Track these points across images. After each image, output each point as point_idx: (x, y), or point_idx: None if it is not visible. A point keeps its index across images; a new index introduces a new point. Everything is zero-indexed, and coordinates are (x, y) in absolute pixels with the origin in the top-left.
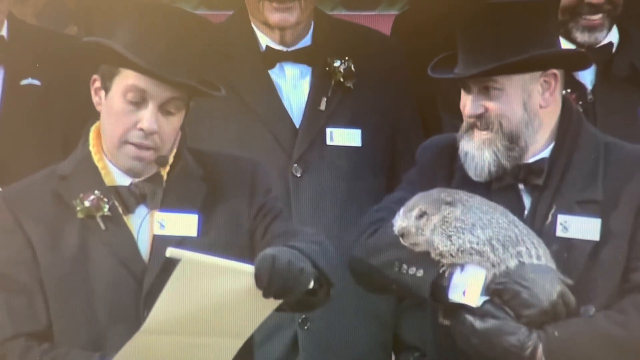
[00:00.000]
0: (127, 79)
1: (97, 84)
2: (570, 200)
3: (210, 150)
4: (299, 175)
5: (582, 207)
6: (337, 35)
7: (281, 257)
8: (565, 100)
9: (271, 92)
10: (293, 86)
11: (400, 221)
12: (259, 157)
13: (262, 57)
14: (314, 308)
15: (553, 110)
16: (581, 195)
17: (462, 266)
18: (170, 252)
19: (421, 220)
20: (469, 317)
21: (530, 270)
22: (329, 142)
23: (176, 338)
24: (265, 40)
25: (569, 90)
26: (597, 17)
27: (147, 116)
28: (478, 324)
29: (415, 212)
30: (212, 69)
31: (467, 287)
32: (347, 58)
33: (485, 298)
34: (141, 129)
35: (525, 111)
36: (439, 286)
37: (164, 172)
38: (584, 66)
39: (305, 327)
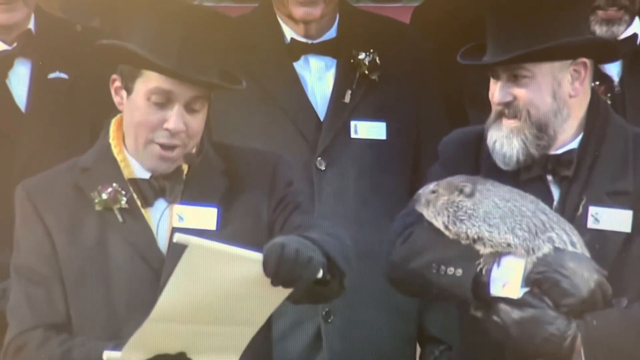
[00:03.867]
0: (150, 81)
1: (117, 83)
2: (601, 192)
3: (233, 143)
4: (323, 168)
5: (612, 199)
6: (362, 27)
7: (290, 246)
8: (593, 91)
9: (296, 85)
10: (318, 78)
11: (421, 189)
12: (283, 150)
13: (287, 49)
14: (328, 299)
15: (582, 100)
16: (612, 186)
17: (499, 259)
18: (178, 237)
19: (432, 196)
20: (506, 308)
21: (569, 258)
22: (353, 135)
23: (186, 326)
24: (289, 32)
25: (597, 83)
26: (615, 9)
27: (174, 117)
28: (516, 314)
29: (431, 187)
30: (237, 61)
31: (507, 280)
32: (372, 50)
33: (526, 289)
34: (167, 129)
35: (554, 100)
36: (480, 283)
37: (185, 166)
38: (613, 58)
39: (329, 321)
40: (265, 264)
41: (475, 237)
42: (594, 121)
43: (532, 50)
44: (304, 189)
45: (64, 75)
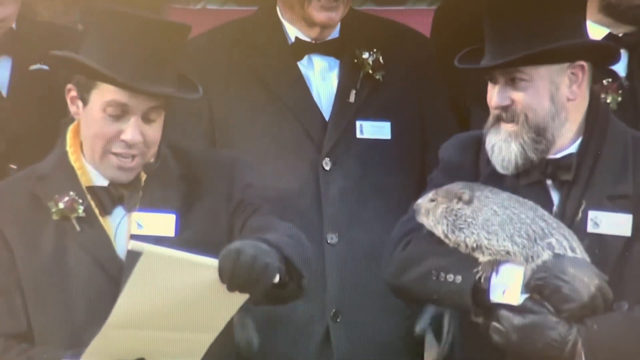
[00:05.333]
0: (105, 93)
1: (73, 93)
2: (601, 196)
3: (191, 148)
4: (328, 168)
5: (612, 203)
6: (365, 28)
7: (246, 252)
8: (592, 94)
9: (301, 84)
10: (322, 78)
11: (420, 199)
12: (289, 150)
13: (291, 49)
14: (287, 301)
15: (580, 103)
16: (611, 190)
17: (498, 266)
18: (132, 245)
19: (431, 204)
20: (507, 314)
21: (569, 264)
22: (359, 135)
23: (144, 332)
24: (293, 32)
25: (609, 80)
26: None
27: (130, 128)
28: (517, 320)
29: (430, 195)
30: (242, 62)
31: (507, 286)
32: (375, 50)
33: (526, 295)
34: (124, 141)
35: (552, 103)
36: (479, 290)
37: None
38: (612, 61)
39: (337, 321)
40: (220, 271)
41: (474, 245)
42: (593, 125)
43: (528, 53)
44: (311, 189)
45: (44, 67)
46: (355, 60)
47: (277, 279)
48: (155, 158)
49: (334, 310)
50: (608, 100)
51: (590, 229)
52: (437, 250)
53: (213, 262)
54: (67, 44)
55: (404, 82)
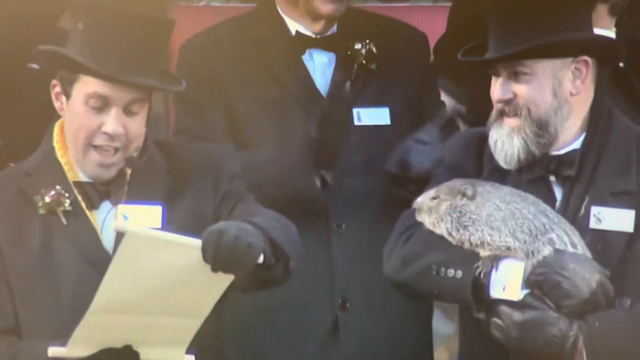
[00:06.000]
0: (87, 85)
1: (57, 89)
2: (604, 192)
3: (178, 142)
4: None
5: (615, 199)
6: (361, 23)
7: (229, 232)
8: (596, 91)
9: (306, 77)
10: (322, 73)
11: (420, 197)
12: (296, 141)
13: (293, 42)
14: (274, 284)
15: (584, 98)
16: (615, 186)
17: (498, 262)
18: (116, 225)
19: (433, 202)
20: (508, 310)
21: (569, 259)
22: (357, 123)
23: (130, 317)
24: (294, 26)
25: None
26: None
27: (111, 120)
28: (517, 316)
29: (431, 193)
30: (249, 55)
31: (507, 282)
32: (367, 41)
33: (527, 291)
34: (106, 133)
35: (554, 97)
36: (480, 285)
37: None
38: (616, 58)
39: (345, 309)
40: (203, 251)
41: (478, 242)
42: (597, 120)
43: (530, 46)
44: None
45: (34, 66)
46: (349, 52)
47: (261, 259)
48: (139, 153)
49: (341, 298)
50: None
51: (592, 224)
52: (437, 245)
53: (197, 243)
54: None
55: (399, 71)
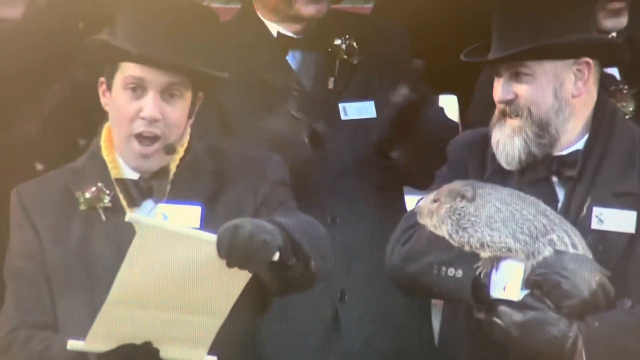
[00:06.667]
0: (125, 70)
1: (103, 86)
2: (606, 193)
3: (227, 146)
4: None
5: (617, 200)
6: (340, 21)
7: (244, 227)
8: (599, 93)
9: (291, 75)
10: (305, 72)
11: (422, 200)
12: (283, 142)
13: (276, 43)
14: (299, 285)
15: (586, 100)
16: (617, 187)
17: (499, 262)
18: (129, 217)
19: (434, 205)
20: (508, 310)
21: (569, 260)
22: (343, 117)
23: (147, 312)
24: (276, 28)
25: (622, 87)
26: (621, 2)
27: (148, 104)
28: (517, 316)
29: (432, 196)
30: (234, 60)
31: (507, 282)
32: (347, 36)
33: (527, 291)
34: (144, 118)
35: (555, 98)
36: (480, 284)
37: (173, 165)
38: (618, 60)
39: (344, 301)
40: (218, 245)
41: (478, 244)
42: (600, 122)
43: (531, 47)
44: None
45: None
46: (330, 50)
47: (276, 256)
48: (185, 149)
49: (340, 290)
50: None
51: (594, 225)
52: (438, 244)
53: (212, 237)
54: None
55: (381, 64)
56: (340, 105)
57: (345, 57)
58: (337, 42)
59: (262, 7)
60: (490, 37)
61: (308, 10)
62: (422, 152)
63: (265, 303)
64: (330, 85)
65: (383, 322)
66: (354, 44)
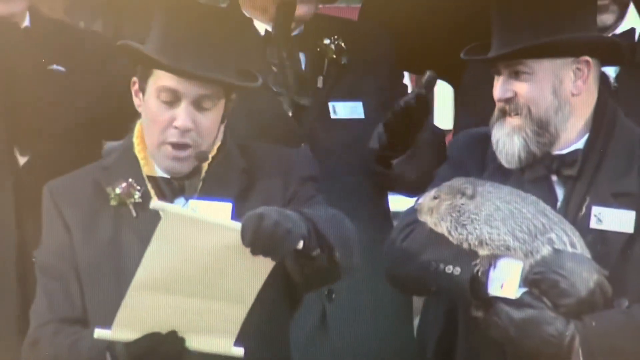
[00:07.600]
0: (158, 79)
1: (136, 86)
2: (605, 192)
3: (257, 144)
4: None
5: (617, 199)
6: (326, 23)
7: (269, 216)
8: (600, 92)
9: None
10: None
11: (422, 198)
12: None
13: (264, 41)
14: (326, 277)
15: (586, 99)
16: (616, 187)
17: (497, 260)
18: (154, 204)
19: (434, 202)
20: (506, 308)
21: (567, 259)
22: (333, 116)
23: (171, 299)
24: (262, 27)
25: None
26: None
27: (181, 114)
28: (515, 314)
29: (432, 193)
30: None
31: (505, 280)
32: (336, 37)
33: (524, 290)
34: (176, 127)
35: (554, 97)
36: (478, 282)
37: (205, 164)
38: (618, 59)
39: (332, 299)
40: (243, 233)
41: (477, 242)
42: (601, 122)
43: (529, 45)
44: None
45: (60, 69)
46: (318, 49)
47: (300, 245)
48: (218, 149)
49: (327, 289)
50: None
51: (593, 224)
52: (437, 240)
53: (236, 225)
54: (82, 42)
55: (369, 66)
56: (330, 105)
57: (334, 56)
58: (326, 41)
59: (250, 5)
60: (490, 35)
61: (298, 11)
62: (422, 160)
63: (295, 299)
64: (319, 84)
65: (370, 321)
66: (342, 44)
